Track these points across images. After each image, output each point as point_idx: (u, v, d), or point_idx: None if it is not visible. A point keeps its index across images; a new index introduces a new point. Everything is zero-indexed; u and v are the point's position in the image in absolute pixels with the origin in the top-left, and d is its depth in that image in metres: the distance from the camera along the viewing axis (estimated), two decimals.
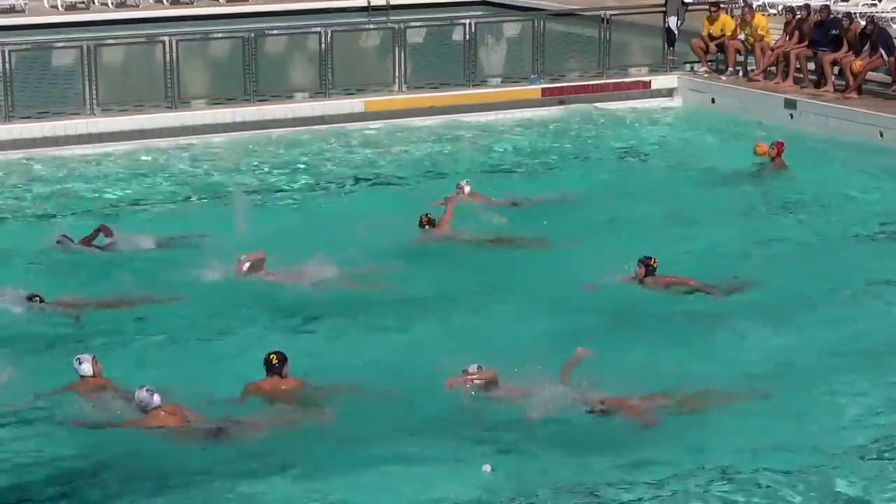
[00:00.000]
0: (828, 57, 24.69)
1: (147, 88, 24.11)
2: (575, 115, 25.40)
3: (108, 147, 22.66)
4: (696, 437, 12.21)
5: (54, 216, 19.24)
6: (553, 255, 17.13)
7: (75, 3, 33.76)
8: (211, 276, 15.96)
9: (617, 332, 14.26)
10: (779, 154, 21.12)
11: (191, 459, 11.85)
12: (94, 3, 33.91)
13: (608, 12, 27.03)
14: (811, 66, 25.22)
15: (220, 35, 26.73)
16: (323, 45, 24.81)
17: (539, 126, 24.84)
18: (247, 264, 16.00)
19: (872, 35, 24.13)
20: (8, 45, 23.47)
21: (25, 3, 33.41)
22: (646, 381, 12.89)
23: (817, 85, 24.88)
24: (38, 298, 15.07)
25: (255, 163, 22.27)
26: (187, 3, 34.50)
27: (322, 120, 24.27)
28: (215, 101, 24.61)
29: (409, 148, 23.36)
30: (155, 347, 14.41)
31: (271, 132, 23.70)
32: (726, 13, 26.85)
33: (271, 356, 12.95)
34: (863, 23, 25.16)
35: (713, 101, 25.92)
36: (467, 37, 25.82)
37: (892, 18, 28.87)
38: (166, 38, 24.11)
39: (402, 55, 25.37)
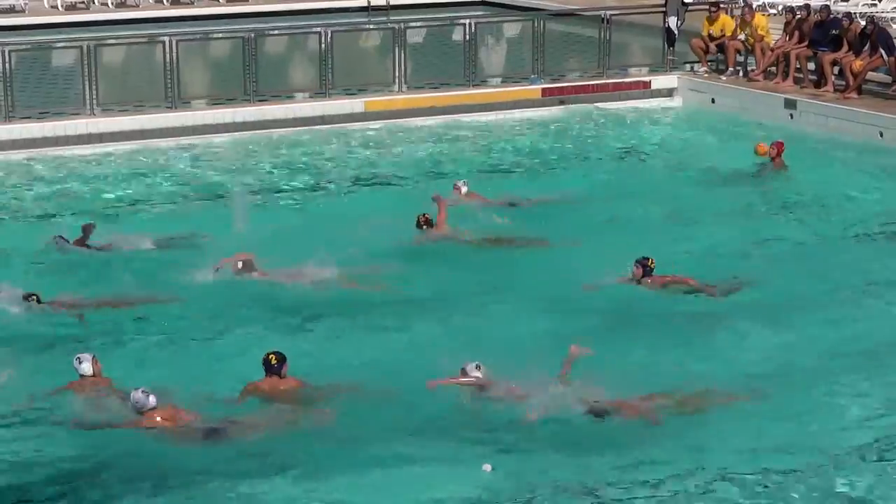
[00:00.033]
0: (828, 57, 24.69)
1: (147, 88, 24.11)
2: (575, 115, 25.41)
3: (108, 147, 22.66)
4: (696, 437, 12.21)
5: (54, 216, 19.24)
6: (552, 255, 17.13)
7: (75, 3, 33.77)
8: (210, 277, 15.96)
9: (615, 333, 14.26)
10: (779, 154, 21.12)
11: (190, 460, 11.84)
12: (94, 3, 33.92)
13: (608, 12, 27.04)
14: (811, 66, 25.22)
15: (220, 35, 26.74)
16: (323, 45, 24.81)
17: (539, 126, 24.84)
18: (239, 263, 16.00)
19: (872, 35, 24.14)
20: (8, 45, 23.47)
21: (25, 3, 33.42)
22: (645, 381, 12.89)
23: (817, 85, 24.88)
24: (34, 298, 15.05)
25: (255, 163, 22.27)
26: (187, 3, 34.51)
27: (322, 120, 24.28)
28: (215, 101, 24.62)
29: (409, 148, 23.36)
30: (153, 347, 14.41)
31: (271, 132, 23.71)
32: (726, 13, 26.85)
33: (270, 356, 12.94)
34: (863, 23, 25.16)
35: (713, 101, 25.92)
36: (467, 37, 25.83)
37: (892, 18, 28.87)
38: (166, 38, 24.11)
39: (402, 55, 25.37)
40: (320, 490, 11.35)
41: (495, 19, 30.08)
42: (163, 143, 23.00)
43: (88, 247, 17.21)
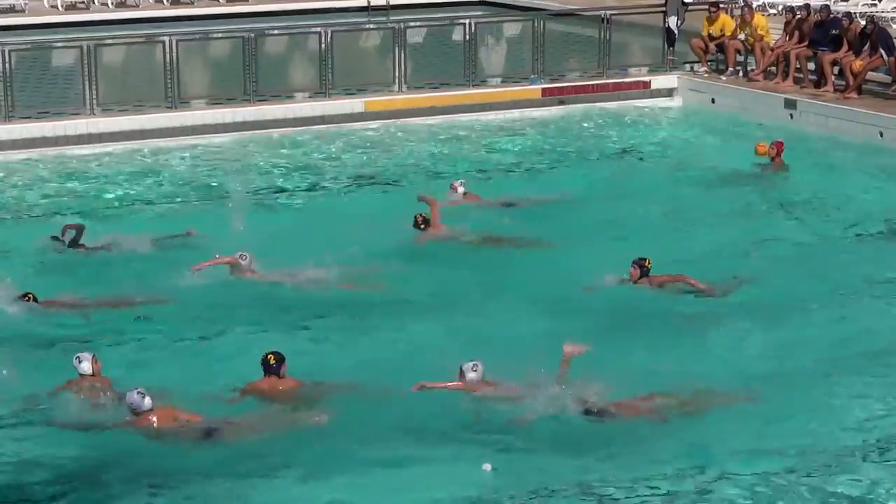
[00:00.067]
0: (828, 57, 24.69)
1: (147, 88, 24.11)
2: (575, 115, 25.41)
3: (108, 147, 22.66)
4: (696, 437, 12.21)
5: (54, 216, 19.23)
6: (549, 255, 17.11)
7: (75, 3, 33.75)
8: (208, 277, 15.96)
9: (612, 334, 14.21)
10: (778, 154, 21.11)
11: (187, 460, 11.83)
12: (94, 3, 33.91)
13: (608, 12, 27.03)
14: (811, 66, 25.22)
15: (220, 35, 26.73)
16: (323, 45, 24.81)
17: (539, 126, 24.84)
18: (241, 262, 16.01)
19: (872, 35, 24.13)
20: (8, 45, 23.47)
21: (25, 3, 33.41)
22: (644, 382, 12.88)
23: (817, 85, 24.88)
24: (30, 297, 15.02)
25: (255, 163, 22.26)
26: (187, 3, 34.50)
27: (322, 120, 24.27)
28: (215, 101, 24.61)
29: (409, 148, 23.35)
30: (151, 348, 14.38)
31: (271, 132, 23.70)
32: (726, 13, 26.84)
33: (269, 356, 12.93)
34: (863, 23, 25.15)
35: (713, 101, 25.91)
36: (467, 37, 25.82)
37: (892, 18, 28.87)
38: (166, 38, 24.11)
39: (402, 55, 25.37)
40: (319, 490, 11.34)
41: (495, 19, 30.06)
42: (163, 142, 23.00)
43: (83, 247, 17.16)
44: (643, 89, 26.51)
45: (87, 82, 23.21)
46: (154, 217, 19.27)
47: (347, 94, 24.84)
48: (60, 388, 12.89)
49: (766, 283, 16.14)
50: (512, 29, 28.15)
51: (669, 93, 26.61)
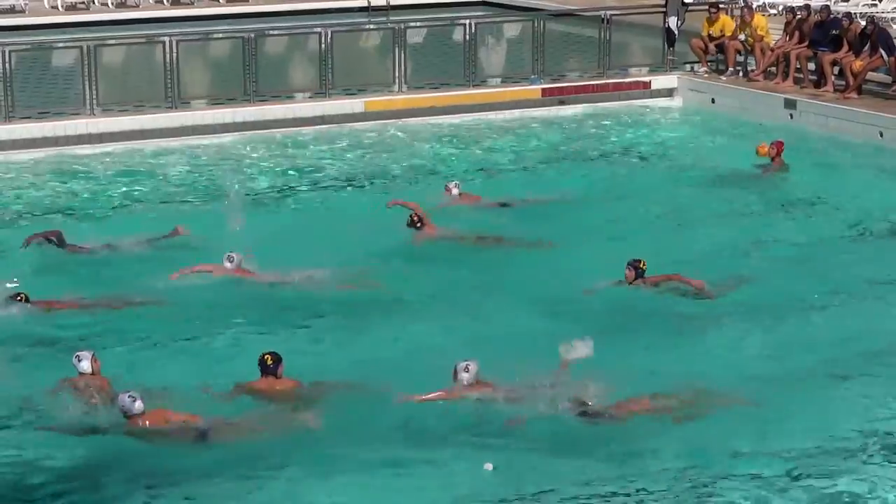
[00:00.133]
0: (828, 57, 24.69)
1: (147, 88, 24.12)
2: (575, 115, 25.41)
3: (108, 147, 22.66)
4: (696, 438, 12.19)
5: (54, 216, 19.24)
6: (548, 255, 17.10)
7: (75, 3, 33.77)
8: (206, 277, 15.95)
9: (610, 335, 14.12)
10: (778, 154, 21.11)
11: (186, 461, 11.81)
12: (94, 3, 33.93)
13: (608, 12, 27.04)
14: (811, 66, 25.22)
15: (220, 35, 26.74)
16: (323, 46, 24.81)
17: (539, 126, 24.84)
18: (227, 264, 16.00)
19: (872, 35, 24.14)
20: (8, 45, 23.48)
21: (25, 3, 33.42)
22: (643, 382, 12.87)
23: (817, 85, 24.88)
24: (22, 297, 15.00)
25: (255, 163, 22.27)
26: (187, 4, 34.51)
27: (322, 120, 24.28)
28: (215, 101, 24.62)
29: (408, 148, 23.36)
30: (147, 349, 14.35)
31: (271, 132, 23.71)
32: (726, 14, 26.85)
33: (266, 357, 12.92)
34: (863, 23, 25.16)
35: (713, 101, 25.92)
36: (467, 37, 25.83)
37: (892, 18, 28.87)
38: (166, 39, 24.11)
39: (402, 55, 25.37)
40: (318, 491, 11.33)
41: (495, 19, 30.06)
42: (163, 142, 23.00)
43: (78, 247, 17.12)
44: (643, 89, 26.52)
45: (87, 82, 23.22)
46: (154, 217, 19.23)
47: (347, 94, 24.84)
48: (59, 387, 12.87)
49: (766, 283, 16.14)
50: (512, 29, 28.15)
51: (669, 93, 26.62)
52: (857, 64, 24.11)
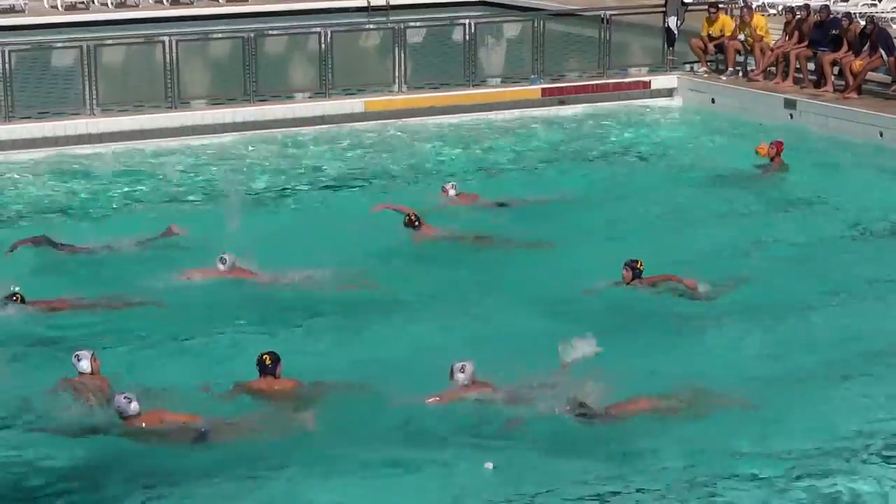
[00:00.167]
0: (828, 57, 24.69)
1: (147, 88, 24.13)
2: (575, 115, 25.41)
3: (109, 147, 22.67)
4: (695, 438, 12.19)
5: (54, 216, 19.24)
6: (547, 255, 17.09)
7: (75, 3, 33.79)
8: (206, 277, 15.96)
9: (609, 336, 14.06)
10: (778, 153, 21.11)
11: (185, 462, 11.80)
12: (94, 3, 33.95)
13: (608, 12, 27.05)
14: (811, 66, 25.23)
15: (220, 35, 26.75)
16: (323, 45, 24.82)
17: (539, 126, 24.84)
18: (220, 266, 15.99)
19: (872, 35, 24.14)
20: (8, 45, 23.48)
21: (25, 3, 33.44)
22: (642, 383, 12.87)
23: (817, 85, 24.89)
24: (17, 297, 14.97)
25: (255, 163, 22.27)
26: (187, 3, 34.53)
27: (322, 120, 24.28)
28: (215, 101, 24.63)
29: (408, 148, 23.36)
30: (145, 349, 14.33)
31: (271, 132, 23.71)
32: (726, 13, 26.86)
33: (264, 357, 12.91)
34: (863, 23, 25.16)
35: (713, 101, 25.93)
36: (467, 37, 25.83)
37: (892, 18, 28.88)
38: (166, 38, 24.12)
39: (402, 55, 25.38)
40: (317, 491, 11.32)
41: (495, 19, 30.08)
42: (162, 142, 23.00)
43: (74, 247, 17.11)
44: (643, 89, 26.53)
45: (87, 82, 23.22)
46: (154, 217, 19.22)
47: (347, 94, 24.85)
48: (58, 387, 12.85)
49: (766, 283, 16.14)
50: (512, 29, 28.16)
51: (669, 93, 26.62)
52: (857, 64, 24.12)
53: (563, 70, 26.85)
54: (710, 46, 26.66)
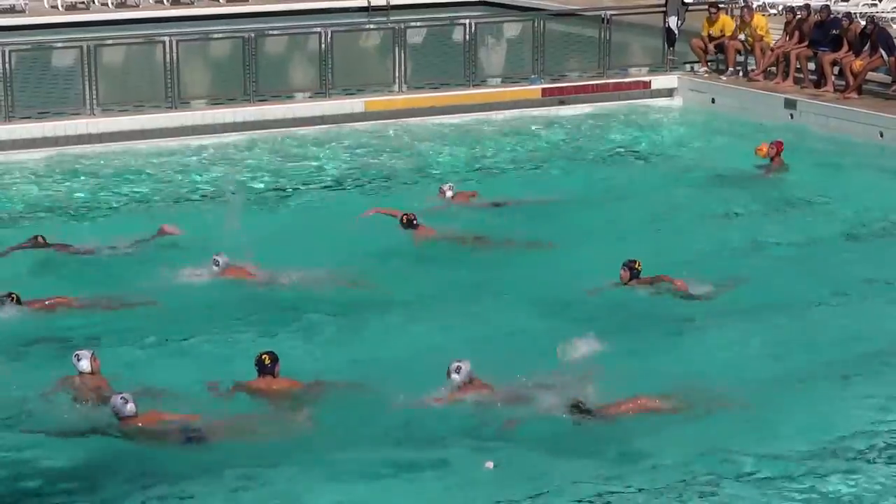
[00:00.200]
0: (828, 57, 24.69)
1: (147, 88, 24.12)
2: (575, 115, 25.41)
3: (108, 147, 22.66)
4: (694, 438, 12.18)
5: (53, 216, 19.23)
6: (547, 255, 17.08)
7: (75, 3, 33.77)
8: (205, 277, 15.95)
9: (608, 336, 14.10)
10: (778, 153, 21.10)
11: (185, 462, 11.80)
12: (94, 3, 33.93)
13: (608, 12, 27.04)
14: (811, 66, 25.22)
15: (220, 35, 26.71)
16: (323, 45, 24.81)
17: (539, 126, 24.84)
18: (214, 267, 15.99)
19: (872, 35, 24.14)
20: (8, 45, 23.47)
21: (25, 3, 33.42)
22: (641, 383, 12.86)
23: (817, 85, 24.88)
24: (13, 297, 14.95)
25: (255, 163, 22.26)
26: (187, 3, 34.51)
27: (322, 120, 24.28)
28: (215, 101, 24.62)
29: (409, 148, 23.36)
30: (142, 349, 14.32)
31: (271, 132, 23.70)
32: (726, 13, 26.85)
33: (263, 356, 12.91)
34: (863, 23, 25.16)
35: (713, 101, 25.92)
36: (467, 37, 25.82)
37: (892, 18, 28.88)
38: (166, 39, 24.11)
39: (402, 55, 25.37)
40: (316, 491, 11.31)
41: (495, 19, 30.04)
42: (162, 142, 23.00)
43: (71, 248, 17.10)
44: (643, 89, 26.52)
45: (87, 82, 23.22)
46: (154, 217, 19.23)
47: (347, 94, 24.84)
48: (57, 386, 12.85)
49: (765, 283, 16.13)
50: (512, 29, 28.14)
51: (669, 93, 26.62)
52: (857, 64, 24.11)
53: (563, 70, 26.83)
54: (711, 46, 26.66)
